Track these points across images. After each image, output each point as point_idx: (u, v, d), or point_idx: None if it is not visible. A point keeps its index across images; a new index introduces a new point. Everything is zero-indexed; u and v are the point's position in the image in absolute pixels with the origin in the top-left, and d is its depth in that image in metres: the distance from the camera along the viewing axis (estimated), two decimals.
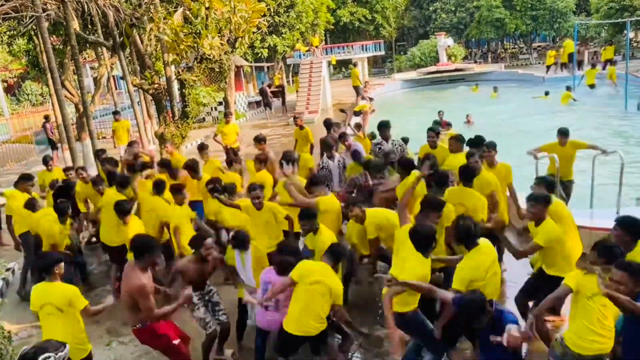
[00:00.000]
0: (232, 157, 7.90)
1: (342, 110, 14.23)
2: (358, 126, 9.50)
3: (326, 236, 4.94)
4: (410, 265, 3.98)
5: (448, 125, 12.28)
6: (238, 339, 5.15)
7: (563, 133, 7.16)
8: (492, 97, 21.49)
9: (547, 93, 19.41)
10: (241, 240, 4.87)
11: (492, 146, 6.08)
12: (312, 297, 4.17)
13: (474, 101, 21.25)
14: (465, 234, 3.98)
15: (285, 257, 4.59)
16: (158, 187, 6.50)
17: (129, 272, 4.06)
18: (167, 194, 6.46)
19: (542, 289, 4.38)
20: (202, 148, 8.21)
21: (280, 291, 4.34)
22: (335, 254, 4.42)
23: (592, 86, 20.28)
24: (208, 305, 4.80)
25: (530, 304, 4.75)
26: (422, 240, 4.00)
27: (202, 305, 4.72)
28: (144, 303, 3.97)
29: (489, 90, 22.25)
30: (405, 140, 8.38)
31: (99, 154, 8.81)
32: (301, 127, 10.10)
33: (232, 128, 11.07)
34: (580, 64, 25.88)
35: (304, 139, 9.90)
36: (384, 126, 7.54)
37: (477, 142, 6.28)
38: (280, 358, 4.42)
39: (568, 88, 18.92)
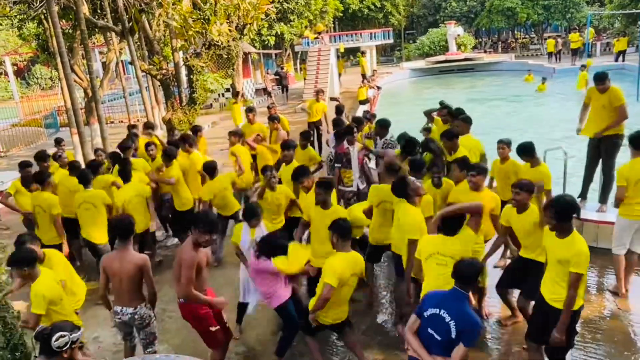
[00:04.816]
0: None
1: (333, 99, 14.08)
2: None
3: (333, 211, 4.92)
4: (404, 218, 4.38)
5: None
6: (237, 321, 5.17)
7: (600, 79, 6.37)
8: (538, 90, 20.21)
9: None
10: (250, 212, 4.85)
11: (507, 142, 5.86)
12: (346, 293, 4.11)
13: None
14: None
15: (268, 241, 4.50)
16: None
17: (185, 243, 4.10)
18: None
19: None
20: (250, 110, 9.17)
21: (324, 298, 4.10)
22: (339, 230, 4.19)
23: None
24: None
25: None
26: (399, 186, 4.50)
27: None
28: (184, 273, 3.95)
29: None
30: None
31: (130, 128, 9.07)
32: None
33: (320, 106, 11.76)
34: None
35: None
36: (379, 124, 7.46)
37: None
38: (307, 336, 4.43)
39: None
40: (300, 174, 5.56)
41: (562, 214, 3.64)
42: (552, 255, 3.78)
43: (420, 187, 4.68)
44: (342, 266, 4.02)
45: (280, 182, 6.12)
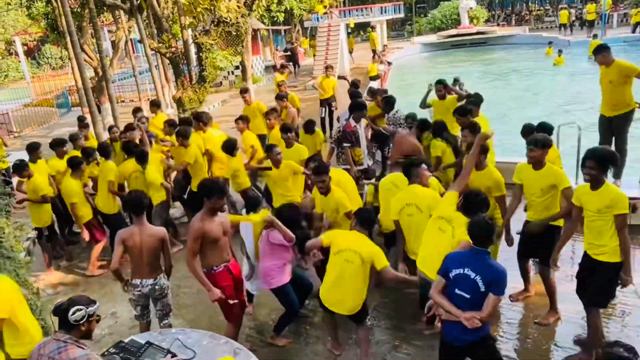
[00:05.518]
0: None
1: (341, 77, 13.93)
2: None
3: (339, 196, 4.92)
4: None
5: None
6: (248, 300, 5.13)
7: (594, 51, 6.25)
8: (555, 63, 18.99)
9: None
10: (253, 202, 4.87)
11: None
12: (342, 268, 4.03)
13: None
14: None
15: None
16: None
17: (195, 216, 4.20)
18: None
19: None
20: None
21: (311, 247, 4.28)
22: (364, 221, 4.21)
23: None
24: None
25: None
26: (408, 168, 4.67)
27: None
28: (188, 244, 4.15)
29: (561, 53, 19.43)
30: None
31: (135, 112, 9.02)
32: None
33: (330, 82, 11.77)
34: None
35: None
36: (384, 101, 7.54)
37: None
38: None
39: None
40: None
41: (603, 164, 3.77)
42: (590, 208, 3.89)
43: (427, 179, 4.70)
44: (342, 234, 4.25)
45: None
